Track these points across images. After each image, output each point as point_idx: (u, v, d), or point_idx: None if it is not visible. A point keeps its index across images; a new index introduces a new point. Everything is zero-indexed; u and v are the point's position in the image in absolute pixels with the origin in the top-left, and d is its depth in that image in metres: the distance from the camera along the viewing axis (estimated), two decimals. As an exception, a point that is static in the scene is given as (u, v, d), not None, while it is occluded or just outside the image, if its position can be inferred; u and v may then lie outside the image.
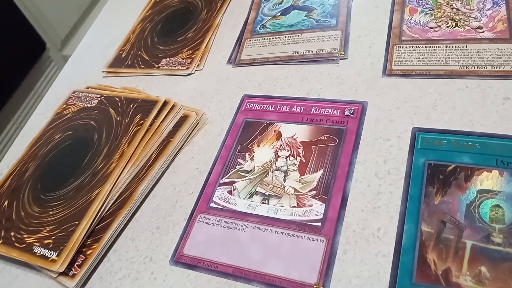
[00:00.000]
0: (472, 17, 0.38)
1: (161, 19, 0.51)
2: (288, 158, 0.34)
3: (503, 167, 0.29)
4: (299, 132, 0.35)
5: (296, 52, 0.41)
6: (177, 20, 0.49)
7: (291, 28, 0.43)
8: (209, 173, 0.35)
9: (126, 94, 0.42)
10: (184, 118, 0.38)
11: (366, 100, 0.36)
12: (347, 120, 0.35)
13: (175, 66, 0.44)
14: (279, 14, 0.46)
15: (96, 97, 0.42)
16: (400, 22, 0.40)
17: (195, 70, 0.44)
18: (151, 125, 0.37)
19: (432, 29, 0.39)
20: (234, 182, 0.34)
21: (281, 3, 0.46)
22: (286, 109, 0.37)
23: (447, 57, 0.36)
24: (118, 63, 0.48)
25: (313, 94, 0.38)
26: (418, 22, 0.40)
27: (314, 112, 0.36)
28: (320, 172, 0.32)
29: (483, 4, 0.39)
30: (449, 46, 0.37)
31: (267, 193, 0.32)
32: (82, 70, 0.50)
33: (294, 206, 0.31)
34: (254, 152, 0.35)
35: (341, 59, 0.39)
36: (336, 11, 0.43)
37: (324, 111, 0.36)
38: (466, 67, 0.35)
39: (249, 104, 0.39)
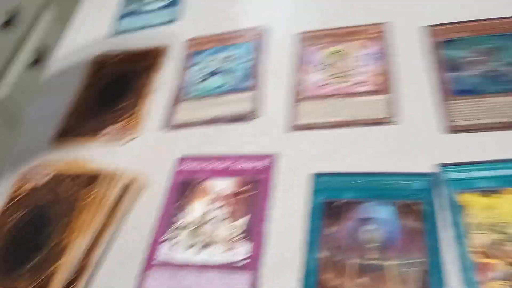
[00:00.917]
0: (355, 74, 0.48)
1: (99, 89, 0.57)
2: (219, 210, 0.42)
3: (378, 198, 0.39)
4: (226, 185, 0.43)
5: (219, 114, 0.49)
6: (115, 89, 0.56)
7: (214, 91, 0.52)
8: (153, 232, 0.42)
9: (72, 169, 0.47)
10: (127, 186, 0.45)
11: (278, 152, 0.45)
12: (263, 171, 0.43)
13: (116, 134, 0.51)
14: (204, 79, 0.54)
15: (45, 175, 0.47)
16: (299, 82, 0.50)
17: (133, 137, 0.51)
18: (96, 196, 0.44)
19: (323, 86, 0.49)
20: (175, 237, 0.41)
21: (204, 68, 0.55)
22: (214, 166, 0.45)
23: (337, 110, 0.46)
24: (64, 135, 0.53)
25: (236, 150, 0.46)
26: (315, 81, 0.49)
27: (237, 167, 0.44)
28: (245, 218, 0.41)
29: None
30: (338, 100, 0.47)
31: (203, 243, 0.40)
32: (30, 144, 0.55)
33: (225, 250, 0.39)
34: (190, 208, 0.43)
35: (256, 117, 0.48)
36: (250, 75, 0.52)
37: (245, 165, 0.44)
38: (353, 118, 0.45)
39: (183, 165, 0.46)
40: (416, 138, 0.42)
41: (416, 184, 0.39)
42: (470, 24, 0.49)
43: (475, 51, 0.46)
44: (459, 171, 0.39)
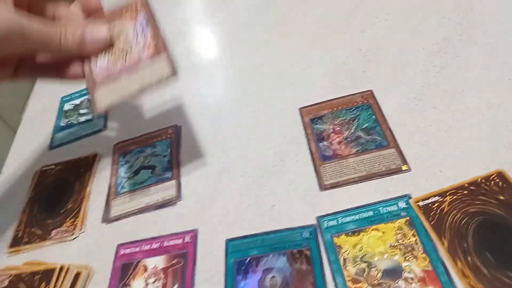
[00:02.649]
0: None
1: (43, 197, 0.66)
2: (154, 283, 0.51)
3: (274, 251, 0.50)
4: (158, 261, 0.53)
5: (148, 202, 0.60)
6: (57, 195, 0.65)
7: (142, 184, 0.62)
8: (104, 310, 0.50)
9: (29, 268, 0.56)
10: (77, 275, 0.53)
11: (197, 228, 0.55)
12: (187, 245, 0.54)
13: (63, 234, 0.60)
14: (132, 175, 0.64)
15: (6, 277, 0.55)
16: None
17: (79, 233, 0.60)
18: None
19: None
20: (121, 312, 0.50)
21: (131, 166, 0.66)
22: (147, 247, 0.55)
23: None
24: (17, 242, 0.61)
25: (164, 231, 0.56)
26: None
27: (166, 244, 0.54)
28: (175, 287, 0.50)
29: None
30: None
31: (143, 313, 0.49)
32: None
33: (162, 316, 0.48)
34: (131, 286, 0.52)
35: (178, 201, 0.59)
36: (170, 166, 0.64)
37: (172, 242, 0.54)
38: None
39: (122, 250, 0.56)
40: (302, 198, 0.55)
41: (302, 234, 0.51)
42: (328, 103, 0.64)
43: (336, 123, 0.61)
44: (332, 219, 0.51)
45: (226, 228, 0.54)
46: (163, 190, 0.61)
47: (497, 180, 0.48)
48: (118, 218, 0.60)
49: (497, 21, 0.66)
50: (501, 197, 0.47)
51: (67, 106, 0.82)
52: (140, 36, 0.53)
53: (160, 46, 0.51)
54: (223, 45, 0.84)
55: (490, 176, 0.49)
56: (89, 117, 0.77)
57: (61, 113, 0.81)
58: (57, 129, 0.78)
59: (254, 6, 0.89)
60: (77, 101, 0.82)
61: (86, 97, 0.82)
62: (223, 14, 0.90)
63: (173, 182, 0.61)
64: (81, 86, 0.86)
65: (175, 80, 0.49)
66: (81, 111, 0.79)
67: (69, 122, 0.78)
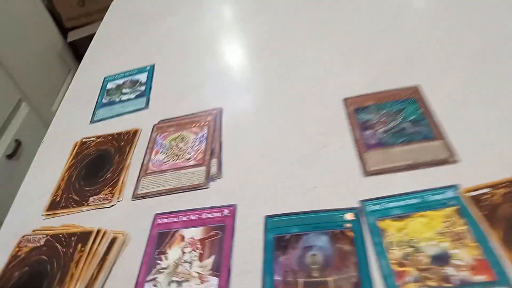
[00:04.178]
0: (187, 152, 0.63)
1: (83, 165, 0.67)
2: (191, 253, 0.50)
3: (315, 230, 0.49)
4: (196, 233, 0.52)
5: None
6: (97, 165, 0.66)
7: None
8: (138, 276, 0.50)
9: (66, 230, 0.56)
10: (114, 240, 0.53)
11: (236, 203, 0.55)
12: (225, 219, 0.53)
13: (101, 201, 0.60)
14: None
15: (43, 237, 0.55)
16: (148, 161, 0.64)
17: (116, 202, 0.60)
18: (90, 250, 0.52)
19: (164, 163, 0.62)
20: (156, 277, 0.49)
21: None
22: (185, 218, 0.54)
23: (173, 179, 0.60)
24: (54, 206, 0.62)
25: (199, 204, 0.56)
26: (158, 159, 0.63)
27: (204, 217, 0.54)
28: (212, 257, 0.49)
29: (193, 143, 0.63)
30: (172, 172, 0.60)
31: (180, 280, 0.48)
32: (25, 217, 0.63)
33: (198, 284, 0.47)
34: (167, 253, 0.51)
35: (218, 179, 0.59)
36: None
37: (210, 215, 0.54)
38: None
39: (159, 220, 0.55)
40: (344, 182, 0.54)
41: (345, 216, 0.50)
42: (373, 95, 0.64)
43: (381, 114, 0.61)
44: (377, 204, 0.50)
45: (266, 205, 0.54)
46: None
47: (553, 175, 0.46)
48: (143, 196, 0.60)
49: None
50: (557, 193, 0.45)
51: (109, 85, 0.83)
52: (195, 146, 0.63)
53: (204, 160, 0.61)
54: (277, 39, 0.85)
55: (545, 171, 0.47)
56: (131, 96, 0.78)
57: (104, 91, 0.82)
58: (99, 105, 0.79)
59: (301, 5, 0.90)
60: (120, 81, 0.83)
61: (129, 78, 0.83)
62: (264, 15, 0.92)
63: (215, 160, 0.61)
64: (124, 68, 0.88)
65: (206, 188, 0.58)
66: (124, 90, 0.81)
67: (111, 100, 0.79)
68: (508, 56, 0.63)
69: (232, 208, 0.54)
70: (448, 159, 0.52)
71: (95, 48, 1.03)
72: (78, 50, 2.19)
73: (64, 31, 2.18)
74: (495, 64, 0.62)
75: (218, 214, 0.54)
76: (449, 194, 0.49)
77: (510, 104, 0.56)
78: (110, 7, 1.21)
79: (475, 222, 0.45)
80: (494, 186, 0.48)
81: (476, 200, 0.47)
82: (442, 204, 0.48)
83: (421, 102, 0.61)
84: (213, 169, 0.60)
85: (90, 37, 1.07)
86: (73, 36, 2.19)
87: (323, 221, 0.50)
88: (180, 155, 0.63)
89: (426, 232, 0.46)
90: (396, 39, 0.73)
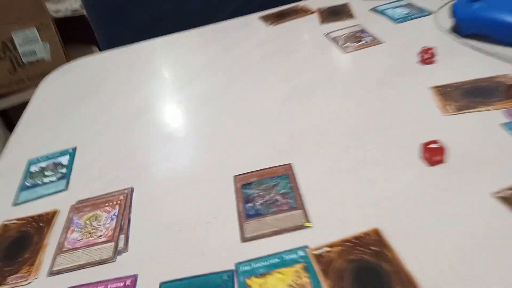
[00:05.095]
0: (99, 230, 0.74)
1: (4, 248, 0.75)
2: (95, 320, 0.60)
3: (198, 292, 0.61)
4: (101, 302, 0.62)
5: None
6: (17, 246, 0.74)
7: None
8: None
9: (-16, 309, 0.63)
10: (28, 314, 0.61)
11: (137, 273, 0.66)
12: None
13: (18, 279, 0.68)
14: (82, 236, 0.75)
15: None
16: (64, 240, 0.74)
17: (33, 279, 0.68)
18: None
19: (78, 241, 0.73)
20: None
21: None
22: (92, 290, 0.64)
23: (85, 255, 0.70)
24: (-26, 287, 0.69)
25: (108, 276, 0.66)
26: (73, 238, 0.74)
27: (109, 287, 0.64)
28: (114, 322, 0.59)
29: (105, 221, 0.76)
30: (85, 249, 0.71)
31: None
32: None
33: None
34: (75, 322, 0.60)
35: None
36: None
37: (115, 285, 0.64)
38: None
39: (70, 293, 0.65)
40: (226, 248, 0.67)
41: (223, 277, 0.62)
42: (257, 172, 0.79)
43: (260, 189, 0.76)
44: (247, 265, 0.63)
45: (162, 272, 0.65)
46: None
47: (373, 236, 0.63)
48: (58, 272, 0.69)
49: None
50: (374, 248, 0.61)
51: (33, 168, 0.93)
52: (107, 224, 0.74)
53: (113, 236, 0.72)
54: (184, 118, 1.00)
55: (368, 232, 0.63)
56: (53, 178, 0.88)
57: (27, 174, 0.91)
58: (23, 188, 0.88)
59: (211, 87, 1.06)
60: (43, 164, 0.93)
61: (52, 160, 0.93)
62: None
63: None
64: (47, 151, 0.98)
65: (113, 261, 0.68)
66: (46, 173, 0.90)
67: (34, 183, 0.89)
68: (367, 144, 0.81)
69: (133, 277, 0.65)
70: (303, 225, 0.67)
71: (22, 128, 1.12)
72: (10, 118, 2.22)
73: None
74: (363, 137, 0.81)
75: (121, 284, 0.64)
76: (300, 253, 0.63)
77: (366, 175, 0.74)
78: (39, 85, 1.31)
79: (315, 275, 0.60)
80: (333, 245, 0.63)
81: (318, 257, 0.62)
82: (294, 262, 0.62)
83: (292, 177, 0.77)
84: (121, 244, 0.71)
85: (22, 105, 1.13)
86: (3, 103, 2.23)
87: (205, 283, 0.62)
88: (93, 232, 0.74)
89: (280, 285, 0.59)
90: (282, 123, 0.90)
